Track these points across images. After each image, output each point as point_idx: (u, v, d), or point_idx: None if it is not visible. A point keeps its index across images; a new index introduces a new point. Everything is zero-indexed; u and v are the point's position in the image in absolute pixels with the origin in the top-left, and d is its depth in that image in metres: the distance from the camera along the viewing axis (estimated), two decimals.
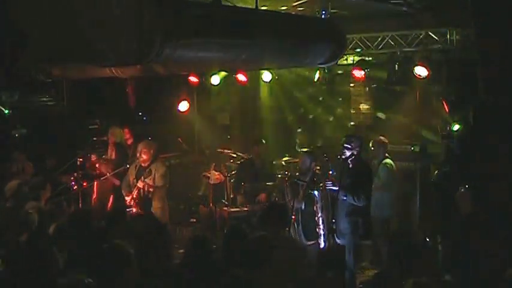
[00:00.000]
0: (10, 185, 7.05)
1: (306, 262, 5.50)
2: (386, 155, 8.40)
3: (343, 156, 7.08)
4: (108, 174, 8.83)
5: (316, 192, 7.17)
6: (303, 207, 7.37)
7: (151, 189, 8.10)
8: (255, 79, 10.69)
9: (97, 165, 9.04)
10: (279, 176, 9.13)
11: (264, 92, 11.69)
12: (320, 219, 7.14)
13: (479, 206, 6.87)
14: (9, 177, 7.79)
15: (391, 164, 8.32)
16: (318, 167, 7.46)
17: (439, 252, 7.48)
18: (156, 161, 8.31)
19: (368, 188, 7.15)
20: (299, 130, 10.78)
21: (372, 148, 8.53)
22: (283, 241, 5.25)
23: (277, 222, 5.56)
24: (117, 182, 8.80)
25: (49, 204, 7.20)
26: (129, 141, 9.74)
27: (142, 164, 8.22)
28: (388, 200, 8.27)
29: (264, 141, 9.40)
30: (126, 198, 8.19)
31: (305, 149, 9.56)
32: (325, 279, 5.01)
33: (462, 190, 7.19)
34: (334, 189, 6.95)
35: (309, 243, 7.23)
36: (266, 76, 10.69)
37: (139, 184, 8.10)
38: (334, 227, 6.84)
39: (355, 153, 7.11)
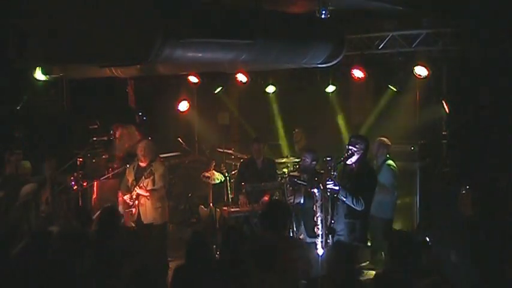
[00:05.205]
0: None
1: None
2: (388, 155, 8.36)
3: (346, 158, 6.69)
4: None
5: (316, 190, 6.76)
6: (301, 201, 7.09)
7: (147, 194, 8.07)
8: (255, 79, 10.67)
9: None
10: (279, 175, 9.12)
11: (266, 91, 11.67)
12: (319, 218, 6.77)
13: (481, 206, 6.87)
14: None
15: (395, 166, 8.22)
16: (319, 167, 7.19)
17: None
18: (155, 161, 8.29)
19: (369, 194, 6.67)
20: (296, 130, 10.74)
21: (375, 149, 8.20)
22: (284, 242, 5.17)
23: (278, 224, 5.41)
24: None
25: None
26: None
27: (141, 164, 8.20)
28: (390, 202, 8.21)
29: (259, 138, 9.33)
30: (125, 197, 8.16)
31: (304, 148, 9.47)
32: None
33: (463, 191, 7.12)
34: (335, 189, 6.50)
35: (312, 240, 6.87)
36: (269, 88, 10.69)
37: (137, 189, 8.05)
38: (333, 227, 6.54)
39: (359, 155, 6.69)
